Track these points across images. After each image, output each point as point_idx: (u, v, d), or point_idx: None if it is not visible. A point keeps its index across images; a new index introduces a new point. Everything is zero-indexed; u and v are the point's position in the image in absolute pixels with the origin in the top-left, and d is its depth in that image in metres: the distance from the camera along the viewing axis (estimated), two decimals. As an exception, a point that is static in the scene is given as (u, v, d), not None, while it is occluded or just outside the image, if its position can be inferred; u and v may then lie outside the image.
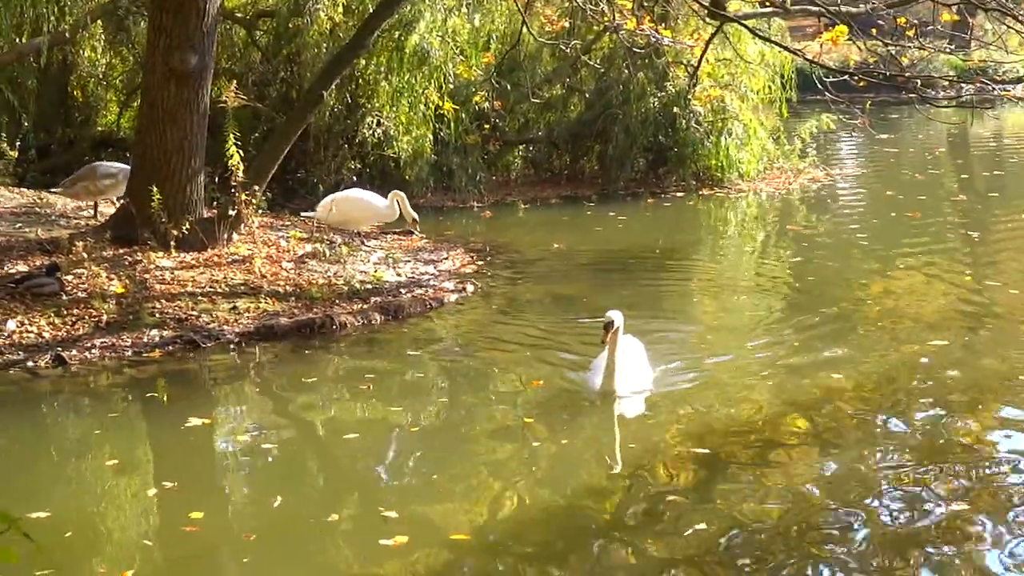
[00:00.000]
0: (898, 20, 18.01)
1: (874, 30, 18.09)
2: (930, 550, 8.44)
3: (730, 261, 19.65)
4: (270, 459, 10.70)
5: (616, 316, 11.26)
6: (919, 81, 17.89)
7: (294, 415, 11.99)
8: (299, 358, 13.45)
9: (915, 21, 19.04)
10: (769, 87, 25.55)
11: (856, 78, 17.08)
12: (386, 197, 18.08)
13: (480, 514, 9.33)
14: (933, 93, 24.31)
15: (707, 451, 10.30)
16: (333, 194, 18.77)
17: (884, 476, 9.77)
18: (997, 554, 8.35)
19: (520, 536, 8.96)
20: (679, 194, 23.99)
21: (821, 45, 16.74)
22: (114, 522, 9.48)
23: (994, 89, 19.64)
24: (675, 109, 23.96)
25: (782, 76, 25.75)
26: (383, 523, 8.88)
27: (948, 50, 25.10)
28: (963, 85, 27.02)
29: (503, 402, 12.04)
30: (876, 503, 9.24)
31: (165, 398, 12.15)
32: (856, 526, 8.82)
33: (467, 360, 13.68)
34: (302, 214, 19.12)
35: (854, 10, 17.27)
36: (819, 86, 16.51)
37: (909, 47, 18.25)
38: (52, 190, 18.93)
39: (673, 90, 23.99)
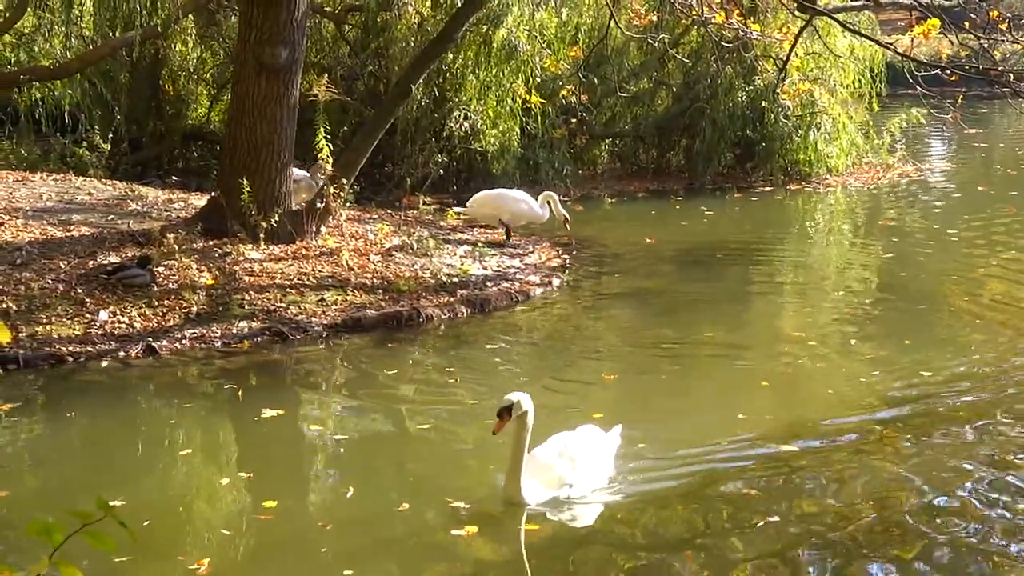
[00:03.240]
0: (991, 13, 17.71)
1: (966, 23, 17.81)
2: (1013, 557, 8.31)
3: (819, 256, 19.41)
4: (343, 449, 10.67)
5: (522, 399, 8.82)
6: (1012, 75, 17.61)
7: (372, 406, 11.93)
8: (384, 350, 13.47)
9: (1008, 15, 18.75)
10: (859, 81, 25.25)
11: (948, 72, 16.85)
12: (537, 197, 18.23)
13: (550, 506, 9.13)
14: (1026, 87, 23.93)
15: (792, 448, 10.20)
16: (485, 191, 18.83)
17: (973, 478, 9.60)
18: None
19: (594, 531, 8.88)
20: (767, 189, 23.80)
21: (912, 39, 16.51)
22: (190, 511, 9.48)
23: (1090, 84, 19.28)
24: (763, 103, 23.76)
25: (872, 70, 25.43)
26: (454, 514, 8.84)
27: (1042, 44, 24.72)
28: (1057, 79, 26.59)
29: (578, 397, 11.89)
30: (964, 504, 9.05)
31: (247, 388, 12.15)
32: (939, 531, 8.68)
33: (549, 355, 13.59)
34: (454, 209, 19.24)
35: (946, 3, 17.07)
36: (910, 80, 16.32)
37: (1002, 41, 17.98)
38: None
39: (761, 84, 23.79)
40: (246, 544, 8.75)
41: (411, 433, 10.92)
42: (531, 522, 8.76)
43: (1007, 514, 8.84)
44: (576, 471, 9.15)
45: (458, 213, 19.01)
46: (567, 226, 18.33)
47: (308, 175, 18.04)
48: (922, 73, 16.20)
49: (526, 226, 18.67)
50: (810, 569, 8.04)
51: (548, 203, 18.07)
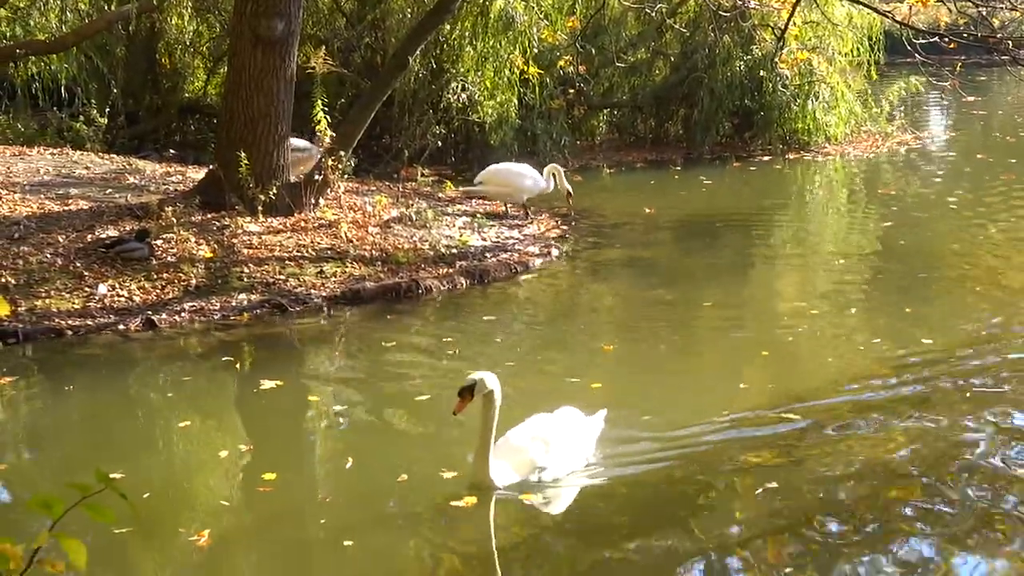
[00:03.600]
0: (989, -20, 17.65)
1: (965, -10, 17.78)
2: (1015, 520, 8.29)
3: (818, 225, 19.39)
4: (342, 420, 10.69)
5: (485, 378, 8.54)
6: (1010, 42, 17.55)
7: (370, 377, 11.92)
8: (383, 322, 13.45)
9: (1007, -18, 18.67)
10: (857, 49, 25.16)
11: (946, 40, 16.79)
12: (541, 171, 18.19)
13: (522, 490, 8.88)
14: (1024, 55, 23.86)
15: (795, 416, 10.12)
16: (492, 167, 18.74)
17: (972, 446, 9.57)
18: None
19: (588, 506, 8.83)
20: (765, 158, 23.76)
21: (910, 7, 16.49)
22: (190, 483, 9.49)
23: (1089, 50, 19.18)
24: (761, 72, 23.69)
25: (870, 38, 25.34)
26: (452, 485, 8.79)
27: (1041, 10, 24.68)
28: (1056, 46, 26.55)
29: (576, 368, 11.85)
30: (962, 472, 9.00)
31: (247, 361, 12.18)
32: (941, 495, 8.64)
33: (546, 326, 13.61)
34: (461, 188, 19.19)
35: (944, -30, 17.00)
36: (908, 48, 16.28)
37: (1000, 8, 17.92)
38: None
39: (759, 53, 23.70)
40: (246, 516, 8.75)
41: (409, 404, 10.84)
42: (524, 500, 8.73)
43: (1008, 486, 8.78)
44: (550, 454, 8.86)
45: (465, 192, 18.89)
46: (570, 200, 18.27)
47: (315, 145, 17.95)
48: (920, 41, 16.17)
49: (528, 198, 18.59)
50: (807, 551, 7.99)
51: (553, 175, 18.02)
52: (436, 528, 8.39)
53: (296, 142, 17.45)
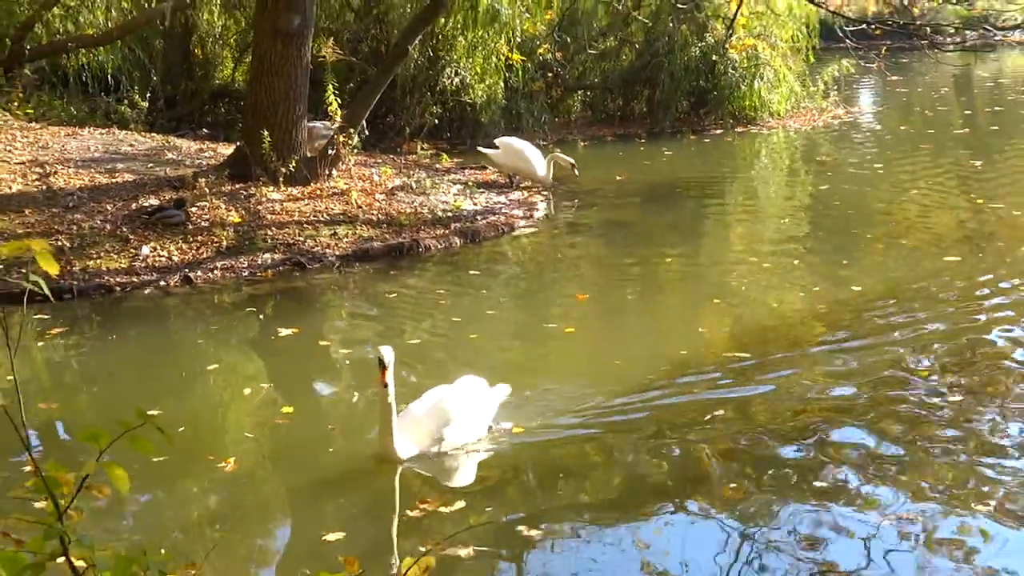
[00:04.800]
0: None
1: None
2: (937, 437, 8.23)
3: (765, 189, 19.28)
4: (348, 362, 10.53)
5: (383, 352, 7.74)
6: (928, 29, 17.48)
7: (376, 324, 11.84)
8: (388, 277, 13.37)
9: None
10: (796, 36, 25.03)
11: (873, 27, 16.73)
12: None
13: (528, 416, 8.84)
14: (941, 40, 23.72)
15: (746, 355, 10.09)
16: (512, 139, 18.38)
17: (901, 370, 9.51)
18: (994, 439, 8.14)
19: (578, 443, 8.64)
20: (718, 131, 23.63)
21: (843, -1, 16.39)
22: (218, 417, 9.46)
23: (995, 35, 19.16)
24: (714, 57, 23.61)
25: (807, 26, 25.19)
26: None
27: (954, 1, 24.64)
28: (967, 32, 26.50)
29: (553, 315, 11.80)
30: (893, 401, 8.93)
31: (270, 311, 12.06)
32: (874, 426, 8.55)
33: (529, 278, 13.58)
34: (479, 148, 18.81)
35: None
36: (840, 34, 16.20)
37: (920, -1, 17.86)
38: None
39: (712, 41, 23.62)
40: (267, 445, 8.70)
41: (408, 347, 10.68)
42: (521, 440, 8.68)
43: (928, 415, 8.71)
44: (451, 426, 8.15)
45: (479, 152, 18.57)
46: (576, 172, 17.87)
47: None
48: (851, 28, 16.09)
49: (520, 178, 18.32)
50: (753, 482, 7.88)
51: (552, 166, 17.63)
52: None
53: (321, 127, 17.37)
